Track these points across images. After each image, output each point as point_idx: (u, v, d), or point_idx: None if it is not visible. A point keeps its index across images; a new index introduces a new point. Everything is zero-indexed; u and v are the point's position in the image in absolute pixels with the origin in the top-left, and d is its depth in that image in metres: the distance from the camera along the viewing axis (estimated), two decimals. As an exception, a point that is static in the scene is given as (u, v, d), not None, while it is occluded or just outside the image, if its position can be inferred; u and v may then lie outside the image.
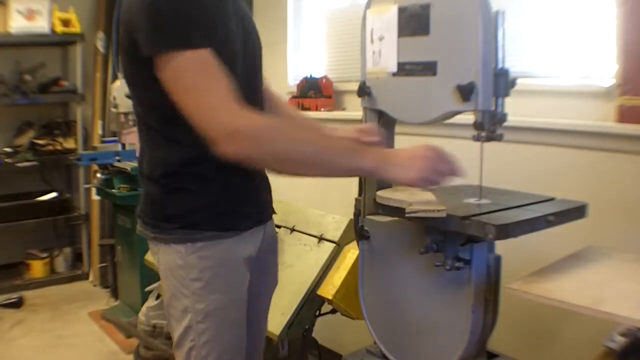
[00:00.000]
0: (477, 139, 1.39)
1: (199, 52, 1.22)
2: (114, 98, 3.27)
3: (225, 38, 1.29)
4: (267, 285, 1.61)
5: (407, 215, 1.32)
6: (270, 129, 1.24)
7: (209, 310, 1.37)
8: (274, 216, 1.57)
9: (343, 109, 2.97)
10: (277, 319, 2.05)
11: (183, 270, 1.37)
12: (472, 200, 1.46)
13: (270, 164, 1.29)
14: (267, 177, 1.50)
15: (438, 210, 1.30)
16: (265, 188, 1.50)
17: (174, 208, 1.37)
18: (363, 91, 1.56)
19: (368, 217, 1.59)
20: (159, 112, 1.32)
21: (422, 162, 1.28)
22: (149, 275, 2.93)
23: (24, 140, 4.19)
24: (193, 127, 1.24)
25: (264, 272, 1.54)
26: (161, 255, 1.41)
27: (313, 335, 2.31)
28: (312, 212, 2.38)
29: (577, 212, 1.44)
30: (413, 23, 1.41)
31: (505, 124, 1.38)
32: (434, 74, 1.38)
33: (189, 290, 1.37)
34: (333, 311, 2.17)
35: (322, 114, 2.90)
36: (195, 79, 1.22)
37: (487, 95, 1.33)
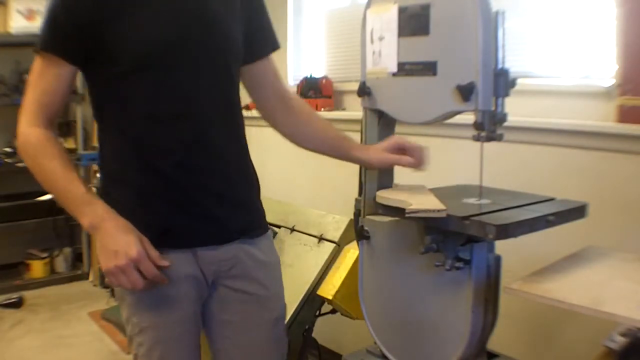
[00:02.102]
0: (477, 139, 1.38)
1: (40, 55, 1.29)
2: (114, 98, 3.26)
3: (131, 41, 1.26)
4: (246, 316, 1.45)
5: (407, 215, 1.32)
6: (25, 147, 1.30)
7: (142, 326, 1.36)
8: (275, 218, 1.54)
9: (343, 109, 2.98)
10: (277, 319, 2.05)
11: None
12: (472, 200, 1.46)
13: (35, 175, 1.29)
14: (231, 188, 1.41)
15: (438, 211, 1.30)
16: (224, 200, 1.38)
17: None
18: (363, 91, 1.56)
19: (368, 217, 1.59)
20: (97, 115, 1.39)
21: (112, 257, 1.19)
22: (149, 275, 2.93)
23: (24, 140, 4.18)
24: (106, 128, 1.36)
25: (233, 299, 1.44)
26: None
27: (313, 335, 2.31)
28: (312, 212, 2.38)
29: (577, 212, 1.44)
30: (413, 23, 1.41)
31: (505, 124, 1.38)
32: (434, 74, 1.38)
33: (125, 302, 1.37)
34: (333, 311, 2.17)
35: (322, 114, 2.89)
36: (31, 83, 1.31)
37: (487, 95, 1.33)
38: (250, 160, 1.49)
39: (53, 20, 1.26)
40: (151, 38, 1.27)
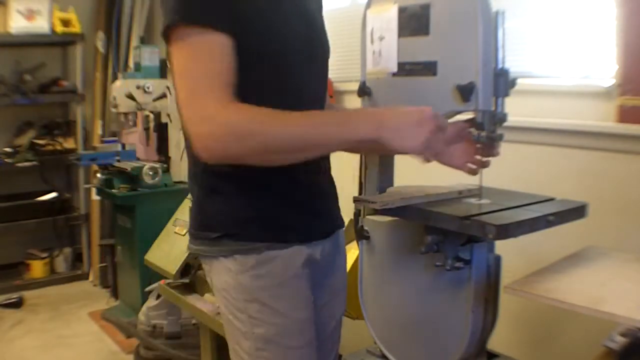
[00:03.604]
0: (477, 139, 1.39)
1: (204, 31, 1.10)
2: (114, 98, 3.27)
3: (276, 34, 1.20)
4: (330, 308, 1.41)
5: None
6: (237, 127, 1.09)
7: (269, 337, 1.22)
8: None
9: (343, 109, 2.98)
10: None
11: (235, 291, 1.23)
12: (472, 200, 1.46)
13: (253, 156, 1.13)
14: (331, 185, 1.40)
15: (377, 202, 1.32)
16: (329, 195, 1.36)
17: (215, 211, 1.23)
18: (363, 91, 1.56)
19: (368, 217, 1.59)
20: None
21: (421, 129, 1.14)
22: (149, 275, 2.94)
23: (24, 140, 4.19)
24: None
25: (322, 291, 1.37)
26: (213, 274, 1.26)
27: (313, 335, 2.31)
28: (312, 212, 2.37)
29: (577, 212, 1.44)
30: (413, 23, 1.41)
31: (505, 124, 1.38)
32: (434, 74, 1.38)
33: (245, 314, 1.22)
34: (333, 311, 2.17)
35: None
36: (187, 62, 1.10)
37: (487, 95, 1.33)
38: None
39: None
40: (287, 29, 1.22)
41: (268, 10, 1.19)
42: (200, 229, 1.26)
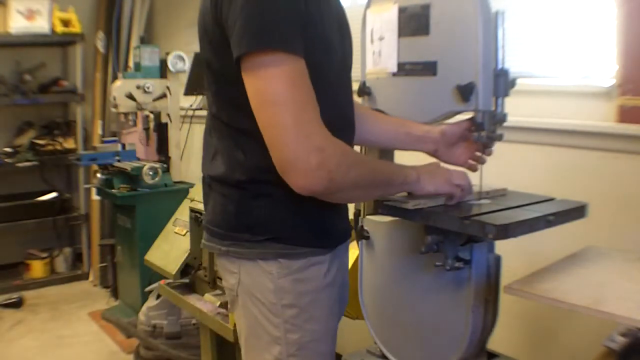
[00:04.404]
0: (477, 139, 1.39)
1: (294, 58, 1.09)
2: (114, 98, 3.27)
3: (326, 47, 1.20)
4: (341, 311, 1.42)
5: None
6: (354, 153, 1.19)
7: (303, 342, 1.21)
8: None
9: (343, 109, 2.97)
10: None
11: (274, 295, 1.20)
12: (472, 201, 1.46)
13: (348, 190, 1.17)
14: None
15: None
16: None
17: (263, 214, 1.20)
18: (363, 91, 1.56)
19: (368, 217, 1.59)
20: (249, 110, 1.13)
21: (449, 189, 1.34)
22: (149, 275, 2.94)
23: (24, 140, 4.19)
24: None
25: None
26: (243, 276, 1.23)
27: (313, 335, 2.31)
28: (312, 212, 2.37)
29: (577, 212, 1.44)
30: (413, 23, 1.41)
31: (505, 124, 1.38)
32: (434, 74, 1.38)
33: (280, 318, 1.21)
34: (333, 311, 2.17)
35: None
36: (285, 89, 1.08)
37: (487, 95, 1.34)
38: None
39: (289, 16, 1.09)
40: (333, 45, 1.22)
41: (327, 34, 1.20)
42: (238, 230, 1.22)
